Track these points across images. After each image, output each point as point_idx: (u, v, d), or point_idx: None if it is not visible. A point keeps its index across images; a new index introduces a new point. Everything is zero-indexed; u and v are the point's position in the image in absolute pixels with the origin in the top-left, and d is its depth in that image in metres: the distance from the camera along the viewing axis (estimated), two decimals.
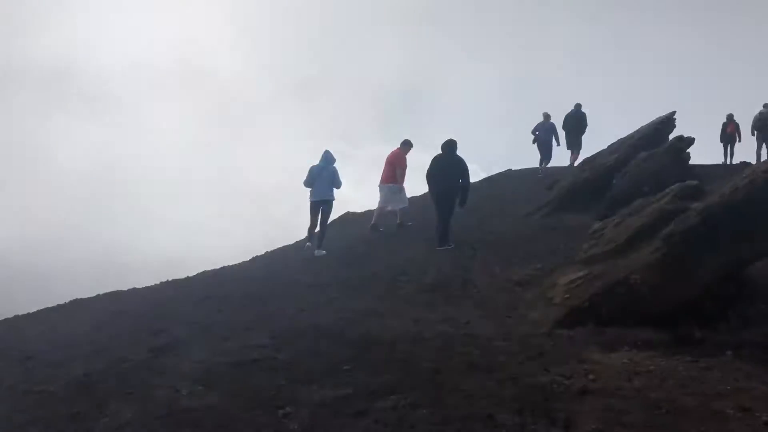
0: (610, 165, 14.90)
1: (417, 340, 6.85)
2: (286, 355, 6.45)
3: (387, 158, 14.76)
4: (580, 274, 7.98)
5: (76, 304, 11.07)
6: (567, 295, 7.67)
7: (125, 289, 12.60)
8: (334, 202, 13.64)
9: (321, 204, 13.41)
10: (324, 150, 13.87)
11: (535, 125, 20.49)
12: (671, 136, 16.92)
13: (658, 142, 16.62)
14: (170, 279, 13.34)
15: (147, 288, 12.61)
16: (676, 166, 12.39)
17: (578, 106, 20.31)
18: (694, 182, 8.54)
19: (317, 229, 13.64)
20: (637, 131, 18.40)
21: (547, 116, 20.35)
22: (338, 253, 13.37)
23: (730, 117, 22.23)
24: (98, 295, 12.24)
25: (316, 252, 13.03)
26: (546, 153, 20.47)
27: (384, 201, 14.62)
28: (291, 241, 17.74)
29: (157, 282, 13.83)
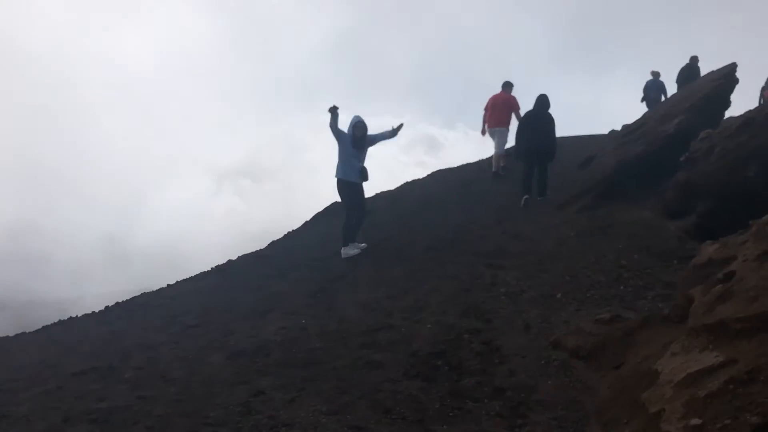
0: (670, 134, 10.75)
1: None
2: None
3: (494, 102, 14.25)
4: (711, 361, 3.96)
5: None
6: (696, 421, 3.67)
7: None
8: (346, 182, 10.00)
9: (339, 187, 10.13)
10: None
11: (644, 83, 19.11)
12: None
13: (720, 102, 12.54)
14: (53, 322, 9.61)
15: None
16: None
17: (694, 59, 18.38)
18: None
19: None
20: (689, 89, 14.24)
21: (656, 74, 18.95)
22: (307, 271, 9.50)
23: None
24: None
25: (342, 251, 10.00)
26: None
27: (499, 145, 14.31)
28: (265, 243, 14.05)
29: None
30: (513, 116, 14.05)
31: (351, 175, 9.78)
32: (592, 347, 5.16)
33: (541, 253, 8.25)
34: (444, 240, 9.74)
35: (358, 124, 9.80)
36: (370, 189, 11.46)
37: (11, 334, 10.44)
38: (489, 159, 17.73)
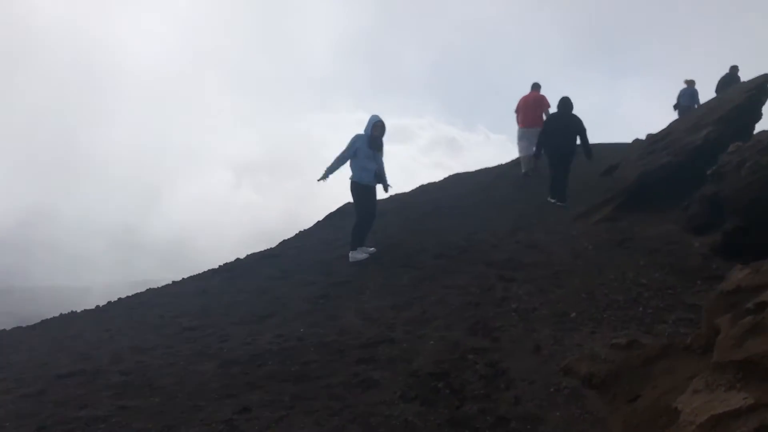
0: (698, 146, 10.29)
1: None
2: None
3: (525, 102, 14.39)
4: (738, 403, 3.54)
5: None
6: None
7: None
8: (359, 184, 9.62)
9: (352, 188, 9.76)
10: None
11: (678, 91, 18.71)
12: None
13: (751, 114, 12.03)
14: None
15: None
16: None
17: (734, 69, 18.03)
18: None
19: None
20: (718, 100, 13.72)
21: (690, 82, 18.60)
22: (312, 274, 9.18)
23: None
24: None
25: (350, 255, 9.64)
26: None
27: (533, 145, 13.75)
28: (274, 242, 13.81)
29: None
30: (544, 115, 14.08)
31: (364, 177, 9.44)
32: (606, 376, 4.75)
33: (557, 266, 7.84)
34: (455, 247, 9.35)
35: (378, 124, 9.47)
36: (383, 191, 11.12)
37: (19, 319, 10.26)
38: (507, 164, 17.32)
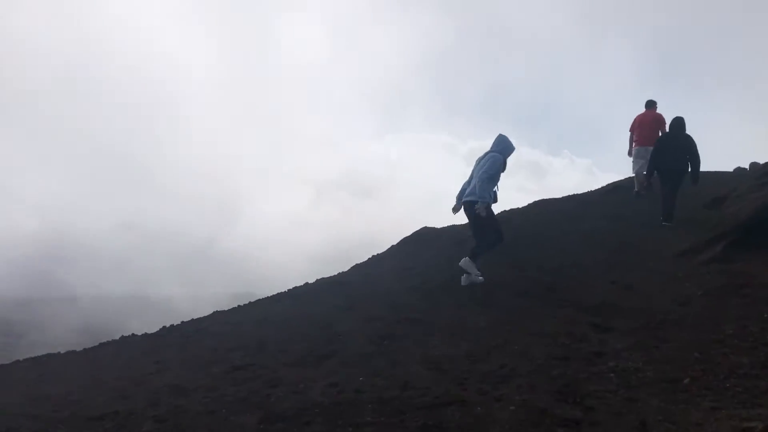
0: None
1: None
2: None
3: (641, 121, 14.07)
4: None
5: None
6: None
7: None
8: (483, 205, 8.88)
9: (465, 208, 9.07)
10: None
11: None
12: None
13: None
14: None
15: None
16: None
17: None
18: None
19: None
20: None
21: None
22: (379, 307, 8.33)
23: None
24: None
25: (463, 279, 8.98)
26: None
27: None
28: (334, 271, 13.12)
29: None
30: (660, 133, 13.58)
31: (471, 194, 9.05)
32: None
33: (660, 314, 6.67)
34: (540, 285, 8.30)
35: (498, 142, 9.29)
36: (462, 218, 10.16)
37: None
38: (597, 191, 16.05)
